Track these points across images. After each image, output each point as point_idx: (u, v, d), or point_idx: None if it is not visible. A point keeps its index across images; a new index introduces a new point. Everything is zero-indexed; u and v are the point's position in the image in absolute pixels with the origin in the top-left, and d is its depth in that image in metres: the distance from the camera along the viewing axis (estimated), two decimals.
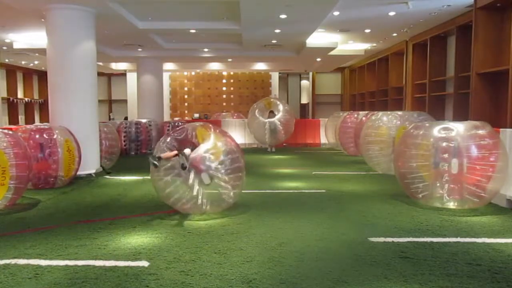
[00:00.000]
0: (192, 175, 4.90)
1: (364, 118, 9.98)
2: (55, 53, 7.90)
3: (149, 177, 7.81)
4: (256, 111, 12.38)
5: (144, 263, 3.51)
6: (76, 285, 3.12)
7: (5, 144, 5.42)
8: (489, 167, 5.07)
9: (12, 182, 5.35)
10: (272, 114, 12.19)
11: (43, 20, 8.21)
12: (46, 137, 6.80)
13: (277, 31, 10.38)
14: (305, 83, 22.60)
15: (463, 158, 5.12)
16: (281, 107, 12.35)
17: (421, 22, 10.46)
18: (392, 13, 9.48)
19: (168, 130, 11.94)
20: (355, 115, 10.95)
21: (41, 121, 19.14)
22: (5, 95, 17.22)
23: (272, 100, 13.13)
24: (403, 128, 7.19)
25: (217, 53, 14.16)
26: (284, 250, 3.81)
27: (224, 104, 20.22)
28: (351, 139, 10.71)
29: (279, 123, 12.07)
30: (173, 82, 20.03)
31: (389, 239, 4.08)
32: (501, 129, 5.56)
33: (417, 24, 10.63)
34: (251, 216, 4.98)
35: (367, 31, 11.47)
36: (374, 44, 13.76)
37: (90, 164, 7.96)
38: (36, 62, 17.10)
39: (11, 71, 17.81)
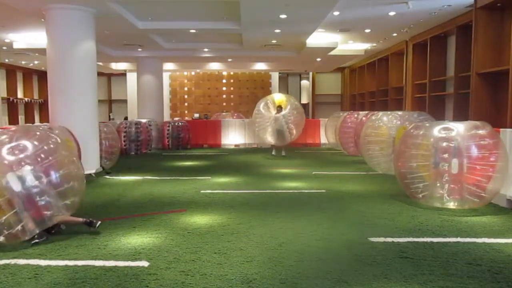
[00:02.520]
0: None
1: (364, 118, 9.97)
2: (55, 53, 7.89)
3: (149, 177, 7.91)
4: (261, 105, 11.07)
5: (144, 263, 3.51)
6: (76, 285, 3.12)
7: None
8: (489, 167, 5.07)
9: None
10: (280, 109, 10.88)
11: (43, 20, 8.20)
12: None
13: (277, 31, 10.37)
14: (305, 83, 22.59)
15: (463, 158, 5.12)
16: (289, 102, 11.03)
17: (421, 22, 10.45)
18: (392, 13, 9.48)
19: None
20: (355, 115, 10.93)
21: (41, 121, 19.14)
22: (5, 95, 17.20)
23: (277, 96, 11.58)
24: (403, 128, 7.18)
25: (217, 53, 14.16)
26: (284, 250, 3.81)
27: (224, 104, 20.21)
28: (351, 139, 10.70)
29: (290, 118, 10.77)
30: (173, 82, 20.02)
31: (389, 239, 4.08)
32: (501, 129, 5.57)
33: (417, 24, 10.62)
34: (251, 216, 4.98)
35: (367, 31, 11.46)
36: (374, 44, 13.75)
37: (90, 164, 7.94)
38: (36, 62, 17.09)
39: (11, 71, 17.80)
